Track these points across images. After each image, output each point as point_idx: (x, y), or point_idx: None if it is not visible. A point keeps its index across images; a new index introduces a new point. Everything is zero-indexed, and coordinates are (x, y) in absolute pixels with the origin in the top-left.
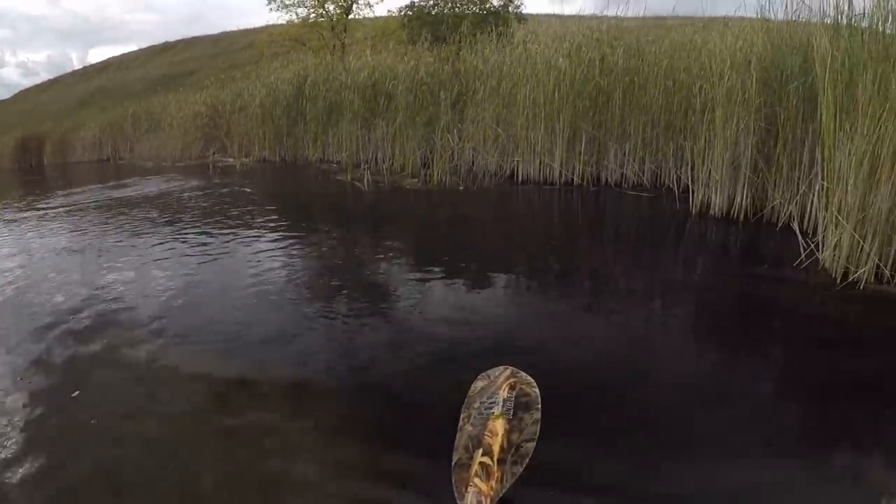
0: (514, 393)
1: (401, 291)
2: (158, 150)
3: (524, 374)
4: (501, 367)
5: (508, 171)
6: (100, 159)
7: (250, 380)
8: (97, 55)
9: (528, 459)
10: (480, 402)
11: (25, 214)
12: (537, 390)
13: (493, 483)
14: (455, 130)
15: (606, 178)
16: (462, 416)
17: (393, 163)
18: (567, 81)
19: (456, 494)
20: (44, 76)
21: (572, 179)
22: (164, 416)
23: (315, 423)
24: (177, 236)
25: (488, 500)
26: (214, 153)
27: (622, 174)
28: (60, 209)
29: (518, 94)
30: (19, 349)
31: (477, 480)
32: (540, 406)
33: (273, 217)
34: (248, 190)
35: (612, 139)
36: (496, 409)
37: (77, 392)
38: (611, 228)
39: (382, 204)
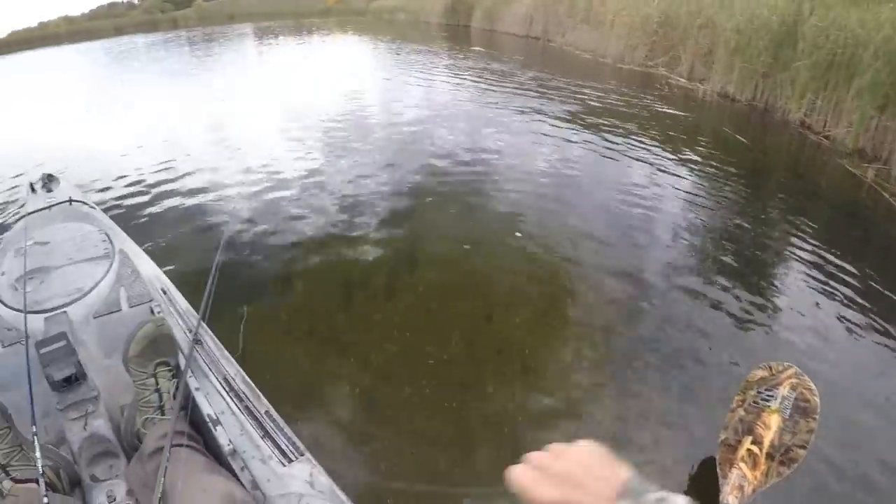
0: (794, 394)
1: None
2: (596, 44)
3: (807, 378)
4: (785, 363)
5: None
6: (527, 36)
7: None
8: None
9: (796, 465)
10: (758, 392)
11: (444, 63)
12: (818, 399)
13: (758, 473)
14: None
15: None
16: (736, 398)
17: None
18: None
19: (718, 470)
20: None
21: None
22: None
23: None
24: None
25: (751, 489)
26: (663, 67)
27: None
28: (473, 69)
29: None
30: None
31: (743, 465)
32: (818, 416)
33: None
34: (726, 130)
35: None
36: (773, 403)
37: None
38: None
39: None
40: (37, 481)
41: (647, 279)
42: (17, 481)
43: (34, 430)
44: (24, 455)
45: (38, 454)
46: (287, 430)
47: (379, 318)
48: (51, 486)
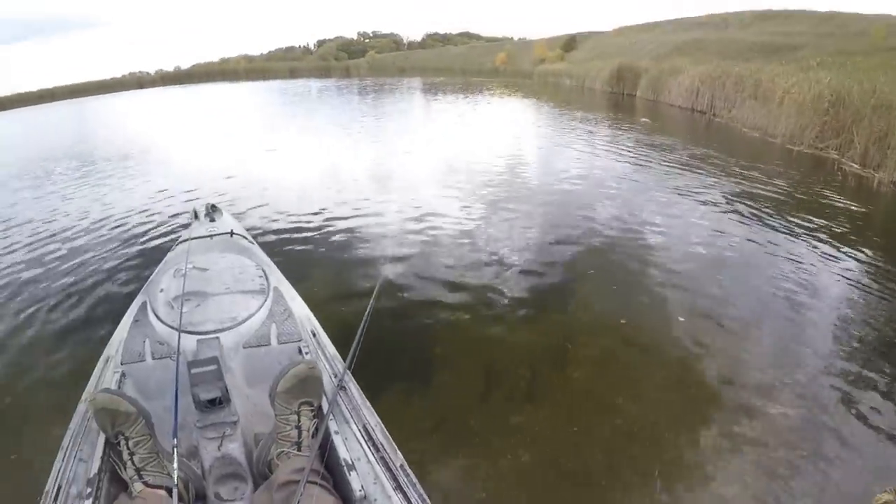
0: None
1: None
2: (764, 121)
3: None
4: None
5: None
6: (692, 109)
7: None
8: (699, 7)
9: None
10: None
11: (607, 132)
12: None
13: None
14: None
15: None
16: None
17: None
18: None
19: None
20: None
21: None
22: None
23: None
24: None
25: None
26: (834, 150)
27: None
28: (636, 141)
29: None
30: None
31: None
32: None
33: None
34: None
35: None
36: None
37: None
38: None
39: None
40: (169, 490)
41: (803, 385)
42: (147, 485)
43: (175, 442)
44: (158, 463)
45: (175, 465)
46: (419, 486)
47: (516, 420)
48: (178, 497)
